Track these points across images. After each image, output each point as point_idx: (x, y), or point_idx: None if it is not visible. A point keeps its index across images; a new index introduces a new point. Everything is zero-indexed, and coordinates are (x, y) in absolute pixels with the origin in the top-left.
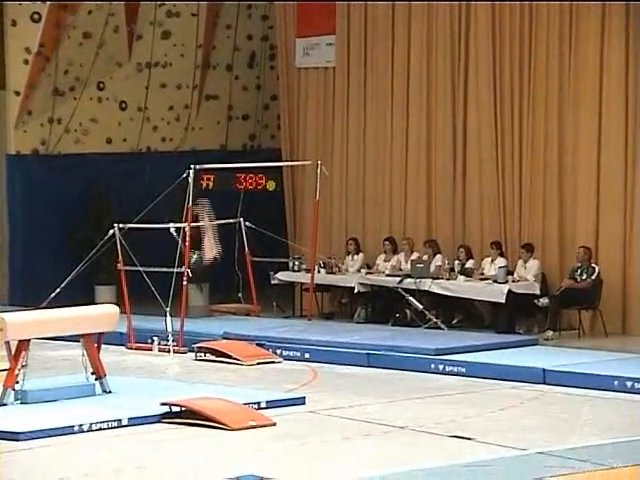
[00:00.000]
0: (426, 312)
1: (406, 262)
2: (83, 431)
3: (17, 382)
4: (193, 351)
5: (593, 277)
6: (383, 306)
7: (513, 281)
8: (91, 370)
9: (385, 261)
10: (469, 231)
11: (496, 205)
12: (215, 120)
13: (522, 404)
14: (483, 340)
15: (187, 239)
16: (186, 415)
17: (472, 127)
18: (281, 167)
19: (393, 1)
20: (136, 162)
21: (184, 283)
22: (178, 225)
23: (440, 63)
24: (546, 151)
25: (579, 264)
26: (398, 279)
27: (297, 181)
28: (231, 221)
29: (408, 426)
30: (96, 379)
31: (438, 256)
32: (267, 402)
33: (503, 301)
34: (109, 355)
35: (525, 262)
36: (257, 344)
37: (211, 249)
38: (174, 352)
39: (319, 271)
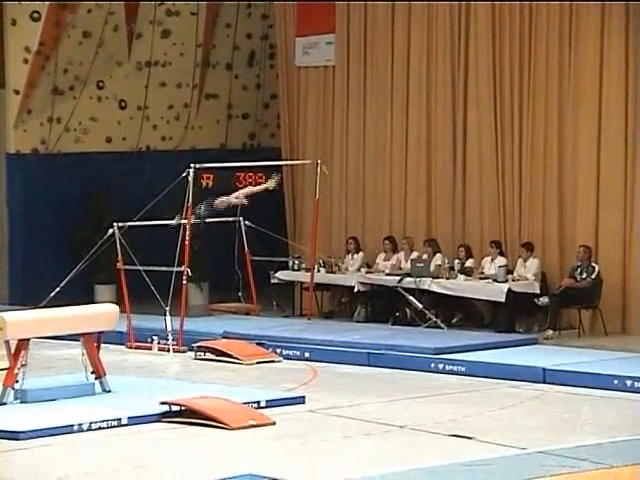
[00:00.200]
0: (426, 311)
1: (406, 261)
2: (83, 430)
3: (17, 381)
4: (193, 350)
5: (593, 276)
6: (383, 305)
7: (513, 280)
8: (91, 369)
9: (385, 260)
10: (469, 230)
11: (496, 204)
12: (215, 119)
13: (522, 403)
14: (483, 339)
15: (187, 238)
16: (186, 414)
17: (472, 126)
18: (281, 166)
19: (393, 1)
20: (136, 161)
21: (184, 282)
22: (179, 221)
23: (440, 62)
24: (546, 150)
25: (579, 263)
26: (398, 278)
27: (297, 180)
28: (231, 220)
29: (408, 425)
30: (96, 378)
31: (438, 255)
32: (267, 401)
33: (503, 300)
34: (109, 354)
35: (525, 261)
36: (257, 343)
37: (225, 201)
38: (174, 351)
39: (319, 270)
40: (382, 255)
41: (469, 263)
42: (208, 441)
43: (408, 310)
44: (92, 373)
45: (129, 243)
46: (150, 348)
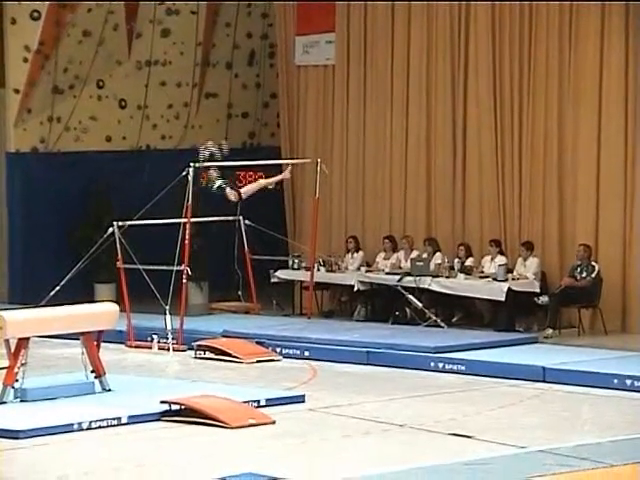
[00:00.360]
0: (426, 310)
1: (406, 260)
2: (82, 429)
3: (17, 380)
4: (193, 349)
5: (593, 275)
6: (383, 304)
7: (513, 279)
8: (91, 368)
9: (385, 259)
10: (469, 229)
11: (496, 203)
12: (215, 118)
13: (522, 402)
14: (483, 338)
15: (187, 236)
16: (186, 413)
17: (472, 126)
18: (281, 165)
19: (393, 0)
20: (136, 160)
21: (184, 281)
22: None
23: (440, 62)
24: (546, 149)
25: (579, 262)
26: (398, 277)
27: (297, 179)
28: (231, 219)
29: (407, 424)
30: (96, 377)
31: (438, 254)
32: (267, 400)
33: (503, 299)
34: (109, 353)
35: (525, 260)
36: (257, 342)
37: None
38: (174, 350)
39: (319, 269)
40: (382, 254)
41: (469, 262)
42: (208, 440)
43: (408, 309)
44: (92, 372)
45: (129, 242)
46: (150, 347)
